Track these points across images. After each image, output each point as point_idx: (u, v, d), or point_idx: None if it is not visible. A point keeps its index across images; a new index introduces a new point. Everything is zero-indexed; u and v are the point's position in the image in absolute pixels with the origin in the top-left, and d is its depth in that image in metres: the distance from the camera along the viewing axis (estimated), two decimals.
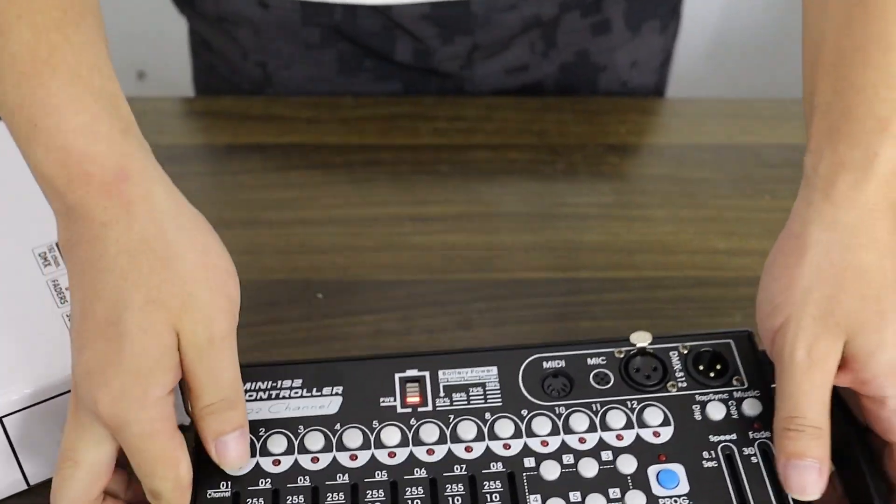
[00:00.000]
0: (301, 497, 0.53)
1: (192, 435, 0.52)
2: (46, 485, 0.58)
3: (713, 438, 0.55)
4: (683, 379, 0.57)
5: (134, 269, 0.50)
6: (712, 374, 0.58)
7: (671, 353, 0.58)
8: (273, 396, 0.57)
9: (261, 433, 0.55)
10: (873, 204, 0.52)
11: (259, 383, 0.57)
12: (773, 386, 0.57)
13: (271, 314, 0.70)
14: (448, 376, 0.58)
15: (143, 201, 0.50)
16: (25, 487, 0.59)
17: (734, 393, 0.57)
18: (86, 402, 0.50)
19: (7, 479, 0.58)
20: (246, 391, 0.57)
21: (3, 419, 0.56)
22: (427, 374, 0.57)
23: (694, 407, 0.56)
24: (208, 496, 0.53)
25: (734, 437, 0.55)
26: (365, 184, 0.78)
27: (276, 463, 0.54)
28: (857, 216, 0.52)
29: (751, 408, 0.56)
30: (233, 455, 0.52)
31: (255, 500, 0.52)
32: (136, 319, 0.49)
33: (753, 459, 0.54)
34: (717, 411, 0.56)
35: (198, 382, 0.51)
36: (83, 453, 0.51)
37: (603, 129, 0.83)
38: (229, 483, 0.53)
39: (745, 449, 0.54)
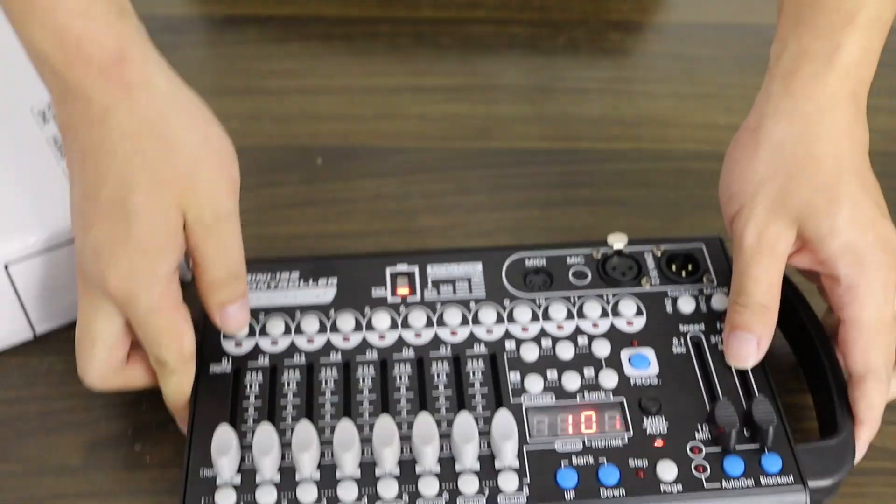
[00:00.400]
0: (297, 372, 0.56)
1: (197, 308, 0.55)
2: (52, 336, 0.61)
3: (683, 328, 0.58)
4: (657, 276, 0.61)
5: (138, 152, 0.52)
6: (684, 274, 0.61)
7: (646, 254, 0.62)
8: (272, 287, 0.60)
9: (260, 317, 0.58)
10: (832, 95, 0.55)
11: (259, 275, 0.60)
12: None
13: (270, 177, 0.70)
14: (436, 270, 0.61)
15: (143, 85, 0.52)
16: (31, 337, 0.62)
17: (704, 289, 0.60)
18: (94, 280, 0.53)
19: (13, 327, 0.61)
20: (247, 284, 0.60)
21: (9, 267, 0.58)
22: (416, 268, 0.61)
23: (665, 300, 0.60)
24: (210, 371, 0.56)
25: (702, 327, 0.58)
26: (364, 55, 0.78)
27: (274, 343, 0.57)
28: (816, 107, 0.55)
29: (719, 302, 0.59)
30: (234, 323, 0.55)
31: (254, 374, 0.56)
32: (143, 200, 0.52)
33: (719, 347, 0.57)
34: (687, 304, 0.59)
35: (205, 259, 0.54)
36: (98, 331, 0.54)
37: (605, 5, 0.84)
38: (230, 359, 0.56)
39: (712, 338, 0.58)
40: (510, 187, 0.73)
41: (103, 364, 0.55)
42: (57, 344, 0.62)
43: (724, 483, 0.52)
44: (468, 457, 0.52)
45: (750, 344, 0.55)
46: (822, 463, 0.53)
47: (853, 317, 0.55)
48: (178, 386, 0.55)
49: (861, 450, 0.55)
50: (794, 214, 0.55)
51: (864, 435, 0.55)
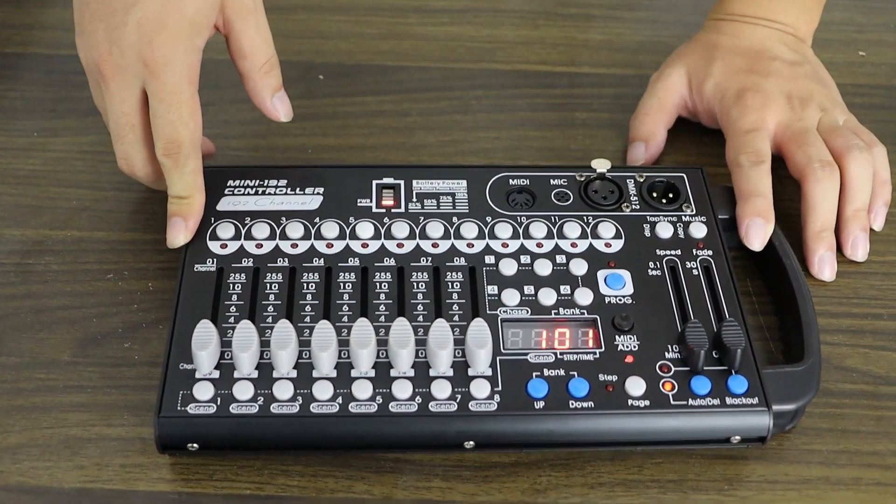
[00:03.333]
0: (279, 275, 0.54)
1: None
2: (48, 238, 0.60)
3: (659, 252, 0.57)
4: (637, 202, 0.59)
5: None
6: (664, 201, 0.59)
7: (628, 180, 0.60)
8: (259, 193, 0.58)
9: (246, 221, 0.57)
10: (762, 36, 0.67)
11: (247, 181, 0.59)
12: (721, 217, 0.59)
13: None
14: (421, 185, 0.59)
15: None
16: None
17: (682, 217, 0.58)
18: (133, 51, 0.53)
19: None
20: (234, 188, 0.58)
21: None
22: (402, 182, 0.59)
23: (644, 225, 0.58)
24: (195, 270, 0.54)
25: (678, 252, 0.57)
26: None
27: (259, 246, 0.56)
28: (742, 28, 0.67)
29: (696, 230, 0.58)
30: (286, 108, 0.59)
31: (237, 275, 0.54)
32: None
33: (695, 272, 0.56)
34: (665, 230, 0.57)
35: (252, 41, 0.56)
36: (137, 115, 0.55)
37: None
38: (215, 260, 0.55)
39: (688, 263, 0.56)
40: (509, 108, 0.71)
41: (147, 147, 0.55)
42: (53, 244, 0.60)
43: (690, 401, 0.50)
44: (442, 362, 0.50)
45: (638, 147, 0.65)
46: (786, 388, 0.52)
47: (728, 128, 0.64)
48: (194, 173, 0.55)
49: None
50: (684, 65, 0.67)
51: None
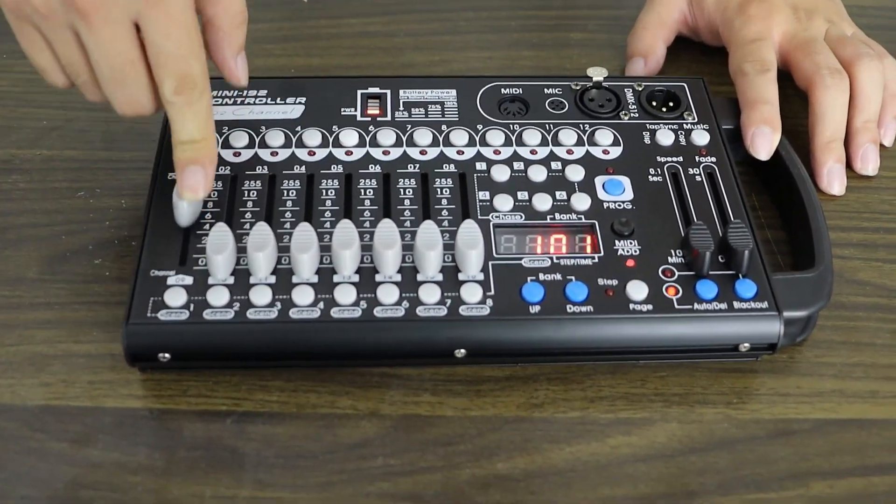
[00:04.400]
0: (258, 182, 0.50)
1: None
2: (17, 158, 0.56)
3: (660, 159, 0.53)
4: (636, 110, 0.55)
5: None
6: (664, 110, 0.55)
7: (626, 89, 0.56)
8: (238, 102, 0.54)
9: (224, 130, 0.53)
10: None
11: (225, 91, 0.55)
12: (724, 127, 0.55)
13: (252, 14, 0.58)
14: (409, 94, 0.55)
15: None
16: None
17: (684, 124, 0.54)
18: None
19: None
20: (213, 97, 0.54)
21: None
22: (388, 91, 0.55)
23: (644, 133, 0.54)
24: (169, 178, 0.50)
25: (680, 159, 0.53)
26: None
27: (237, 154, 0.52)
28: None
29: (699, 137, 0.54)
30: (246, 71, 0.49)
31: (214, 182, 0.50)
32: None
33: (697, 178, 0.52)
34: (665, 137, 0.54)
35: None
36: (137, 48, 0.45)
37: None
38: None
39: (690, 169, 0.52)
40: (502, 29, 0.67)
41: (152, 80, 0.46)
42: (21, 163, 0.56)
43: (695, 305, 0.46)
44: (430, 265, 0.46)
45: (637, 63, 0.62)
46: (797, 294, 0.48)
47: (730, 38, 0.60)
48: (208, 110, 0.47)
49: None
50: None
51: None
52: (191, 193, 0.47)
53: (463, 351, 0.46)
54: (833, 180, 0.56)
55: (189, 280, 0.46)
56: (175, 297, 0.45)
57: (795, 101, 0.60)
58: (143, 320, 0.45)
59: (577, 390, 0.47)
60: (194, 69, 0.46)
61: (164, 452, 0.45)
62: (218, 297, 0.45)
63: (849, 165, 0.58)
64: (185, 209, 0.48)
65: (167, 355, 0.45)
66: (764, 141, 0.54)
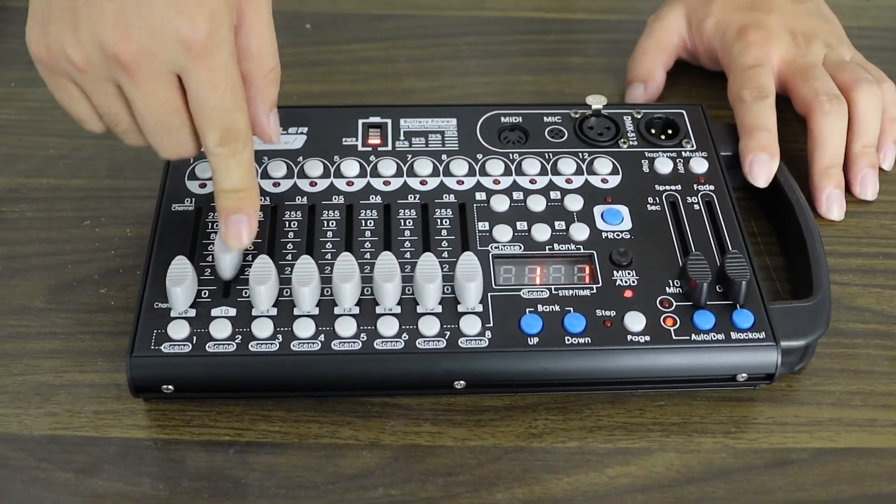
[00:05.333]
0: (260, 214, 0.51)
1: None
2: (23, 187, 0.56)
3: (658, 188, 0.53)
4: (634, 138, 0.55)
5: None
6: (663, 137, 0.56)
7: (625, 117, 0.56)
8: None
9: None
10: None
11: None
12: (723, 154, 0.55)
13: None
14: (409, 123, 0.55)
15: None
16: None
17: (682, 152, 0.54)
18: (172, 27, 0.42)
19: None
20: None
21: None
22: (389, 121, 0.55)
23: (642, 161, 0.54)
24: (173, 209, 0.51)
25: (679, 187, 0.53)
26: None
27: None
28: None
29: (697, 165, 0.54)
30: (278, 128, 0.48)
31: (215, 214, 0.50)
32: None
33: (696, 207, 0.52)
34: (664, 166, 0.54)
35: (261, 42, 0.46)
36: (180, 98, 0.45)
37: None
38: (193, 200, 0.51)
39: (688, 198, 0.52)
40: (501, 54, 0.67)
41: (193, 126, 0.45)
42: (28, 192, 0.57)
43: (693, 336, 0.46)
44: (430, 298, 0.46)
45: (636, 88, 0.62)
46: (794, 323, 0.48)
47: (729, 64, 0.60)
48: (250, 159, 0.46)
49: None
50: (677, 3, 0.64)
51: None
52: (236, 241, 0.47)
53: (462, 382, 0.46)
54: (832, 206, 0.56)
55: (192, 313, 0.46)
56: (178, 330, 0.46)
57: (795, 125, 0.60)
58: (147, 353, 0.45)
59: (576, 420, 0.48)
60: (238, 122, 0.45)
61: (167, 483, 0.45)
62: (220, 329, 0.46)
63: (848, 190, 0.58)
64: (227, 262, 0.47)
65: (170, 387, 0.45)
66: (762, 168, 0.54)
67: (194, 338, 0.45)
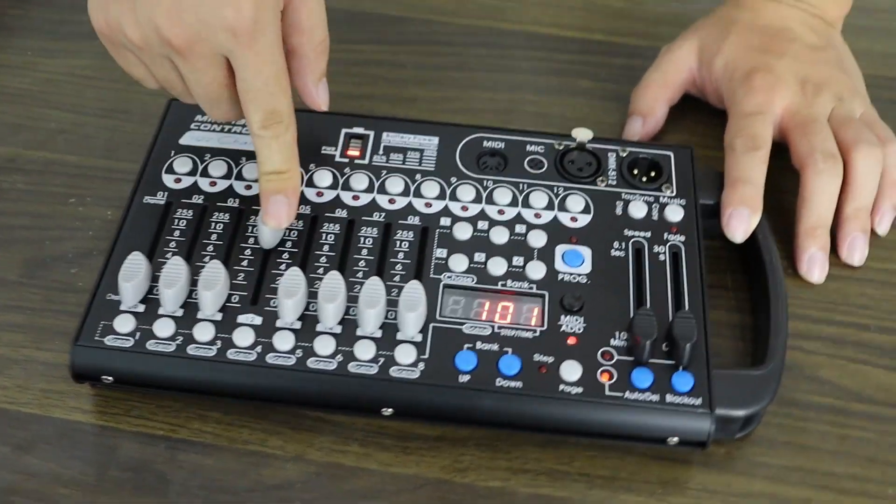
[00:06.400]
0: (226, 215, 0.51)
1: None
2: (18, 158, 0.58)
3: (627, 232, 0.52)
4: (614, 177, 0.54)
5: None
6: (644, 180, 0.54)
7: (609, 153, 0.55)
8: (225, 130, 0.55)
9: (205, 158, 0.54)
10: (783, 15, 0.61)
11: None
12: (700, 202, 0.54)
13: None
14: (391, 138, 0.55)
15: None
16: None
17: (660, 198, 0.53)
18: (219, 13, 0.45)
19: None
20: (201, 123, 0.56)
21: None
22: (372, 133, 0.55)
23: (617, 202, 0.53)
24: (144, 201, 0.52)
25: (648, 234, 0.52)
26: None
27: (213, 184, 0.53)
28: (764, 5, 0.62)
29: (672, 213, 0.53)
30: (327, 96, 0.52)
31: (184, 210, 0.51)
32: None
33: (661, 258, 0.51)
34: (638, 210, 0.53)
35: (312, 16, 0.49)
36: (228, 76, 0.47)
37: None
38: (165, 193, 0.52)
39: (656, 247, 0.51)
40: (509, 69, 0.66)
41: (238, 108, 0.48)
42: (24, 164, 0.59)
43: (626, 394, 0.46)
44: (369, 322, 0.47)
45: (635, 122, 0.61)
46: (739, 392, 0.47)
47: (731, 108, 0.59)
48: (293, 143, 0.49)
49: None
50: (697, 40, 0.62)
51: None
52: (274, 222, 0.49)
53: (390, 410, 0.46)
54: (813, 268, 0.54)
55: (141, 308, 0.48)
56: (123, 324, 0.47)
57: (794, 175, 0.58)
58: (90, 343, 0.47)
59: (503, 459, 0.48)
60: (281, 104, 0.48)
61: (96, 469, 0.47)
62: (163, 328, 0.47)
63: (835, 252, 0.56)
64: (267, 233, 0.50)
65: (110, 378, 0.47)
66: (740, 223, 0.53)
67: (137, 333, 0.47)
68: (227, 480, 0.46)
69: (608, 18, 0.70)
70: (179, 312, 0.48)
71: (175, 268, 0.48)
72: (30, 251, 0.55)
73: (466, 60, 0.66)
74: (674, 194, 0.53)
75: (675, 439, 0.46)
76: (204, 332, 0.47)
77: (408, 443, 0.48)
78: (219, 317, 0.48)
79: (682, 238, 0.52)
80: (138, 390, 0.48)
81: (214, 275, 0.47)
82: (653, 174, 0.55)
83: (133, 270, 0.47)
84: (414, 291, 0.47)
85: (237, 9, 0.45)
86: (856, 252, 0.55)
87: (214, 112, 0.50)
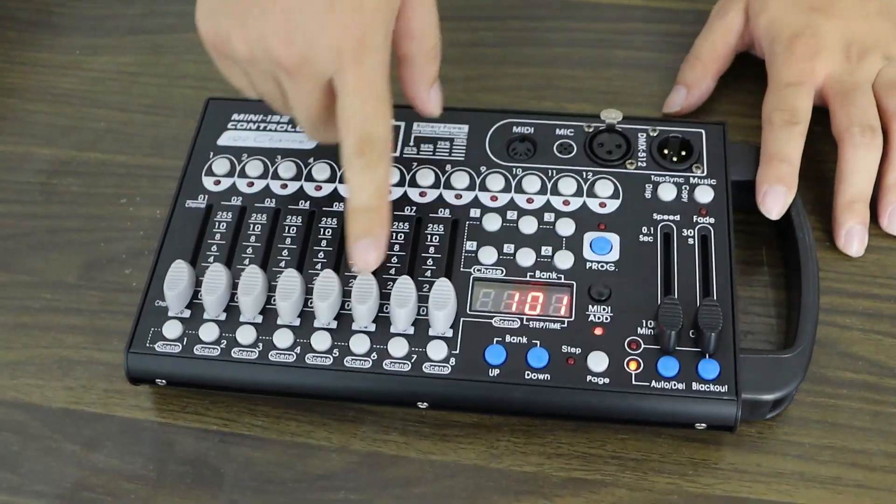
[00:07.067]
0: (264, 216, 0.54)
1: None
2: (74, 160, 0.60)
3: (656, 216, 0.52)
4: (644, 159, 0.55)
5: None
6: (675, 159, 0.55)
7: (640, 133, 0.55)
8: (261, 129, 0.57)
9: (243, 158, 0.56)
10: None
11: (251, 115, 0.58)
12: (733, 178, 0.54)
13: None
14: (421, 128, 0.57)
15: None
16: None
17: (690, 178, 0.54)
18: (329, 34, 0.45)
19: None
20: (237, 122, 0.58)
21: None
22: (403, 124, 0.57)
23: (647, 185, 0.54)
24: (186, 206, 0.55)
25: (677, 218, 0.52)
26: None
27: (250, 185, 0.55)
28: None
29: (703, 194, 0.53)
30: (439, 100, 0.52)
31: (224, 213, 0.54)
32: None
33: (690, 241, 0.51)
34: (667, 192, 0.53)
35: (423, 22, 0.49)
36: (330, 97, 0.47)
37: None
38: (206, 197, 0.55)
39: (685, 230, 0.52)
40: (544, 42, 0.66)
41: (335, 135, 0.47)
42: (77, 166, 0.62)
43: (653, 382, 0.47)
44: (401, 321, 0.49)
45: (679, 92, 0.60)
46: (766, 376, 0.48)
47: (771, 76, 0.58)
48: (386, 176, 0.47)
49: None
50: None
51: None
52: (363, 266, 0.48)
53: (425, 403, 0.49)
54: (851, 241, 0.54)
55: (187, 314, 0.51)
56: (171, 330, 0.50)
57: (834, 144, 0.57)
58: (142, 350, 0.50)
59: (537, 444, 0.50)
60: (378, 129, 0.47)
61: (157, 464, 0.50)
62: (208, 333, 0.50)
63: (876, 221, 0.55)
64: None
65: (163, 381, 0.50)
66: (776, 200, 0.53)
67: (185, 339, 0.50)
68: (275, 472, 0.50)
69: None
70: (223, 316, 0.51)
71: (215, 274, 0.50)
72: (86, 253, 0.58)
73: (500, 35, 0.66)
74: (704, 174, 0.54)
75: (703, 425, 0.47)
76: (246, 335, 0.50)
77: (445, 430, 0.50)
78: (259, 319, 0.50)
79: (712, 220, 0.52)
80: (191, 389, 0.52)
81: (253, 281, 0.50)
82: (683, 153, 0.55)
83: (177, 279, 0.50)
84: (444, 289, 0.49)
85: (345, 29, 0.45)
86: None
87: (313, 133, 0.50)
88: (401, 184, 0.54)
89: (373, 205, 0.47)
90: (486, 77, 0.64)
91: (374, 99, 0.46)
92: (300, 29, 0.45)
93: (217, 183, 0.55)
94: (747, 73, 0.62)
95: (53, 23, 0.70)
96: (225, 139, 0.57)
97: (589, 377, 0.48)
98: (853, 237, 0.54)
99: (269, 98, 0.50)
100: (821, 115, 0.57)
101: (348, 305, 0.50)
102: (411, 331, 0.49)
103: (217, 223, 0.54)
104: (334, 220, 0.53)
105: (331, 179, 0.55)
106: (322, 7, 0.45)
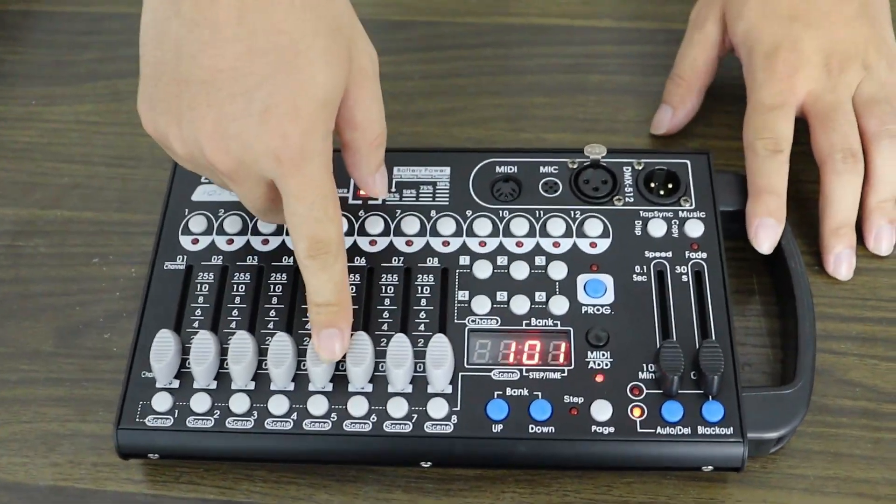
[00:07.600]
0: (247, 275, 0.53)
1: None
2: (37, 220, 0.59)
3: (648, 254, 0.52)
4: (631, 194, 0.54)
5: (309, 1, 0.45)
6: (662, 193, 0.55)
7: (625, 167, 0.55)
8: None
9: (220, 213, 0.55)
10: None
11: None
12: (721, 209, 0.54)
13: None
14: (402, 173, 0.56)
15: None
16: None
17: (679, 213, 0.54)
18: (265, 142, 0.44)
19: None
20: None
21: None
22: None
23: (636, 222, 0.53)
24: (165, 268, 0.53)
25: (669, 254, 0.52)
26: None
27: (230, 242, 0.54)
28: None
29: (693, 228, 0.53)
30: (385, 183, 0.51)
31: (205, 274, 0.53)
32: (322, 48, 0.44)
33: (684, 278, 0.51)
34: (657, 228, 0.53)
35: (366, 113, 0.48)
36: (274, 197, 0.47)
37: None
38: (185, 257, 0.53)
39: (678, 267, 0.52)
40: (517, 70, 0.65)
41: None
42: (43, 225, 0.60)
43: (658, 429, 0.47)
44: (398, 381, 0.48)
45: (665, 111, 0.61)
46: (768, 414, 0.48)
47: (751, 94, 0.57)
48: (342, 273, 0.47)
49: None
50: (720, 5, 0.60)
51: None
52: (328, 355, 0.48)
53: (428, 463, 0.48)
54: (840, 266, 0.54)
55: (176, 384, 0.49)
56: (161, 403, 0.49)
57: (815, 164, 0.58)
58: (132, 425, 0.48)
59: (543, 494, 0.49)
60: (328, 232, 0.46)
61: None
62: (200, 403, 0.49)
63: (862, 242, 0.56)
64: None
65: (155, 455, 0.49)
66: (767, 234, 0.53)
67: (176, 411, 0.49)
68: None
69: (615, 3, 0.68)
70: (213, 385, 0.49)
71: (203, 343, 0.49)
72: (61, 319, 0.56)
73: (474, 64, 0.66)
74: (692, 207, 0.54)
75: (710, 467, 0.48)
76: (240, 404, 0.48)
77: (449, 485, 0.50)
78: (252, 386, 0.49)
79: (704, 255, 0.52)
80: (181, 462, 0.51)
81: (242, 348, 0.49)
82: (670, 186, 0.55)
83: (163, 350, 0.49)
84: (440, 345, 0.48)
85: (283, 137, 0.44)
86: (882, 242, 0.55)
87: (264, 220, 0.50)
88: (385, 233, 0.53)
89: (332, 300, 0.47)
90: (462, 110, 0.64)
91: (322, 199, 0.46)
92: (234, 137, 0.44)
93: (195, 242, 0.54)
94: (725, 95, 0.62)
95: (6, 72, 0.68)
96: (199, 194, 0.56)
97: (594, 427, 0.47)
98: (842, 262, 0.54)
99: (219, 186, 0.49)
100: (799, 134, 0.57)
101: (343, 367, 0.49)
102: (409, 389, 0.49)
103: (199, 285, 0.52)
104: None
105: None
106: (256, 113, 0.44)
